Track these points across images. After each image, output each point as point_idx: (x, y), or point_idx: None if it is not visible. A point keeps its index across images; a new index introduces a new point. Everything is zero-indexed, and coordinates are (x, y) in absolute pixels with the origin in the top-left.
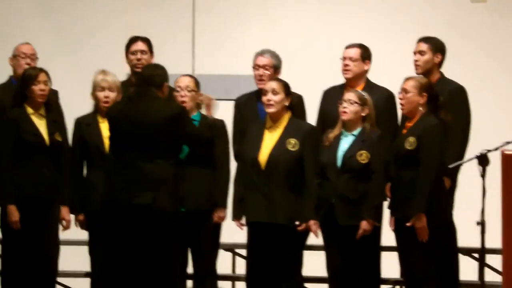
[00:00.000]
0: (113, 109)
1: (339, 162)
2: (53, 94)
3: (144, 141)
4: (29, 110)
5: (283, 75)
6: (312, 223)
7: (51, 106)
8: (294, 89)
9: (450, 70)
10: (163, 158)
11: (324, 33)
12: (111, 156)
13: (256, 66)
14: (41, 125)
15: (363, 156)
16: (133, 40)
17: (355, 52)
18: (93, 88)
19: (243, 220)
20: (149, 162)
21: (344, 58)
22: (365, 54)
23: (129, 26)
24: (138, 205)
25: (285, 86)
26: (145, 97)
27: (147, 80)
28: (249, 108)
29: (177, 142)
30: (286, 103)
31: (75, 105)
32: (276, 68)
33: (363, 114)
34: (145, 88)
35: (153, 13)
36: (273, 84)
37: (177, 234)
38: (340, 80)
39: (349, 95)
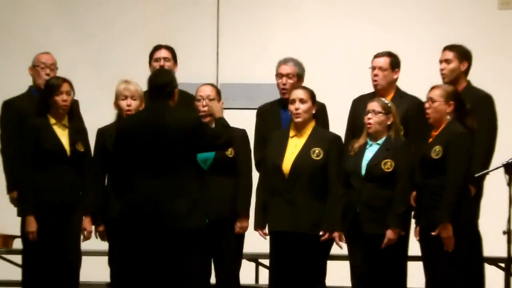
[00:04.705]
0: (126, 123)
1: (363, 170)
2: (74, 104)
3: (163, 155)
4: (52, 120)
5: (307, 83)
6: (337, 234)
7: (74, 116)
8: (317, 97)
9: (477, 77)
10: (183, 172)
11: (349, 41)
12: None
13: (279, 75)
14: (63, 135)
15: (387, 165)
16: (157, 48)
17: (384, 61)
18: (116, 97)
19: (266, 229)
20: (168, 178)
21: (374, 68)
22: (394, 62)
23: (153, 35)
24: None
25: (312, 94)
26: (160, 110)
27: (159, 89)
28: (272, 116)
29: (195, 153)
30: (313, 111)
31: (98, 114)
32: (299, 76)
33: (388, 123)
34: (159, 101)
35: (177, 22)
36: (300, 93)
37: (197, 247)
38: (363, 87)
39: (373, 105)
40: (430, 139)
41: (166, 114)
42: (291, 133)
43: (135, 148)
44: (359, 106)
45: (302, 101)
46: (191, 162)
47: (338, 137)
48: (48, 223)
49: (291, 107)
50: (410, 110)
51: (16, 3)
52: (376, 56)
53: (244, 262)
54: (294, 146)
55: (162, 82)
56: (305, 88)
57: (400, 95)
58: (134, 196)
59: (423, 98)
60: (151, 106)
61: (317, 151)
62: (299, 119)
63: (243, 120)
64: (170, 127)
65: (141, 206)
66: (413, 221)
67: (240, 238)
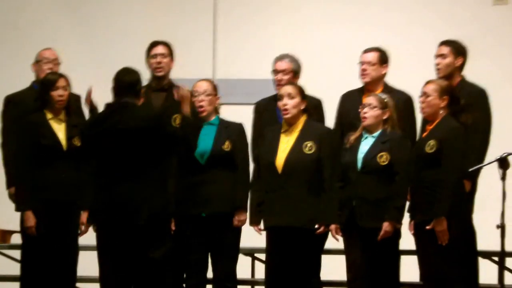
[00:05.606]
0: (89, 123)
1: (359, 163)
2: (75, 99)
3: (131, 154)
4: (49, 115)
5: (304, 79)
6: (333, 227)
7: (72, 111)
8: (314, 93)
9: (472, 72)
10: (151, 169)
11: (345, 37)
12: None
13: (275, 71)
14: (60, 130)
15: (383, 158)
16: (154, 44)
17: (373, 56)
18: None
19: (262, 225)
20: (137, 176)
21: (362, 63)
22: (383, 58)
23: (150, 31)
24: (129, 223)
25: (300, 90)
26: (127, 108)
27: (127, 88)
28: (268, 112)
29: (162, 147)
30: (302, 107)
31: (99, 109)
32: (295, 72)
33: (384, 117)
34: (126, 100)
35: (174, 18)
36: (288, 89)
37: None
38: (360, 84)
39: (370, 100)
40: (425, 133)
41: (128, 113)
42: (283, 128)
43: (99, 148)
44: (347, 101)
45: (290, 96)
46: (158, 160)
47: (330, 130)
48: (47, 219)
49: (279, 104)
50: (397, 105)
51: (19, 1)
52: (365, 51)
53: (241, 256)
54: (286, 141)
55: (132, 80)
56: (293, 84)
57: (388, 90)
58: (100, 196)
59: (418, 94)
60: (115, 105)
61: (309, 145)
62: (287, 115)
63: (241, 116)
64: (130, 126)
65: (106, 206)
66: (407, 215)
67: (237, 232)
